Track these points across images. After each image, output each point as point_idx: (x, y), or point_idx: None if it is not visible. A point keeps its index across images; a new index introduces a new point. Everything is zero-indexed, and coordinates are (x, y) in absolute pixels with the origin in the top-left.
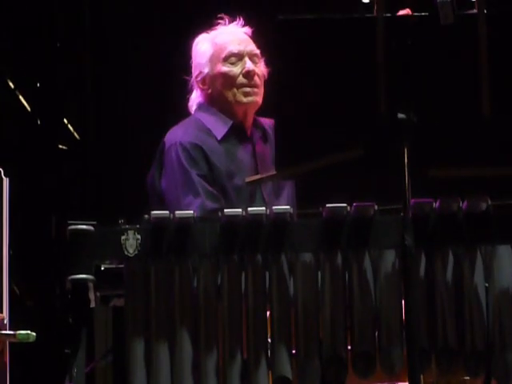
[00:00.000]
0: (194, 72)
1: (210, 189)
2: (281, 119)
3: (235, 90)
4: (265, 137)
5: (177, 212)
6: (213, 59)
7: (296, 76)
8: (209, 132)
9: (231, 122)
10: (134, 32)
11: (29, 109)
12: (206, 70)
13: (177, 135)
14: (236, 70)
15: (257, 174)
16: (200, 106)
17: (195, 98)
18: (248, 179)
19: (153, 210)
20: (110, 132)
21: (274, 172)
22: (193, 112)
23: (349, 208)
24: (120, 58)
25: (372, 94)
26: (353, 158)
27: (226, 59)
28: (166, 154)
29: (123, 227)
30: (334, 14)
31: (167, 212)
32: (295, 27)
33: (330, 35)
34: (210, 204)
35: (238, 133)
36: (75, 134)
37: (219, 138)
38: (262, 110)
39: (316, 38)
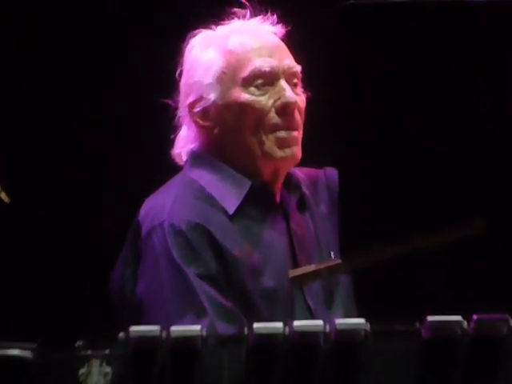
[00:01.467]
0: (188, 96)
1: (223, 301)
2: (346, 175)
3: (263, 134)
4: (302, 203)
5: (173, 328)
6: (224, 79)
7: (368, 102)
8: (214, 202)
9: (249, 184)
10: None
11: None
12: (210, 96)
13: (161, 209)
14: (265, 100)
15: (296, 264)
16: (196, 157)
17: (186, 141)
18: (293, 273)
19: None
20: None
21: (336, 261)
22: (183, 165)
23: (465, 323)
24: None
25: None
26: (466, 237)
27: (248, 81)
28: (145, 241)
29: (82, 354)
30: None
31: (157, 328)
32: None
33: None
34: (223, 326)
35: (261, 200)
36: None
37: (231, 211)
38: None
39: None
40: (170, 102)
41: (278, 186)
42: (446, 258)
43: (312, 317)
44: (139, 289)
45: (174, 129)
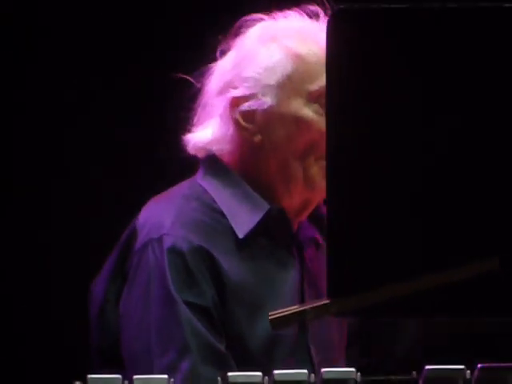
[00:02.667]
0: (234, 88)
1: (211, 339)
2: (337, 204)
3: (312, 158)
4: (316, 242)
5: (136, 377)
6: (288, 86)
7: (367, 116)
8: (223, 220)
9: (267, 207)
10: None
11: None
12: (266, 100)
13: (162, 219)
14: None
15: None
16: (214, 163)
17: (215, 139)
18: (272, 315)
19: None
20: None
21: (323, 302)
22: (198, 173)
23: (468, 373)
24: None
25: None
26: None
27: (314, 96)
28: (138, 254)
29: None
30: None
31: (118, 377)
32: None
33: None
34: (207, 370)
35: (276, 227)
36: None
37: (241, 234)
38: None
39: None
40: (191, 79)
41: (302, 216)
42: (450, 301)
43: (312, 366)
44: (122, 308)
45: (192, 121)
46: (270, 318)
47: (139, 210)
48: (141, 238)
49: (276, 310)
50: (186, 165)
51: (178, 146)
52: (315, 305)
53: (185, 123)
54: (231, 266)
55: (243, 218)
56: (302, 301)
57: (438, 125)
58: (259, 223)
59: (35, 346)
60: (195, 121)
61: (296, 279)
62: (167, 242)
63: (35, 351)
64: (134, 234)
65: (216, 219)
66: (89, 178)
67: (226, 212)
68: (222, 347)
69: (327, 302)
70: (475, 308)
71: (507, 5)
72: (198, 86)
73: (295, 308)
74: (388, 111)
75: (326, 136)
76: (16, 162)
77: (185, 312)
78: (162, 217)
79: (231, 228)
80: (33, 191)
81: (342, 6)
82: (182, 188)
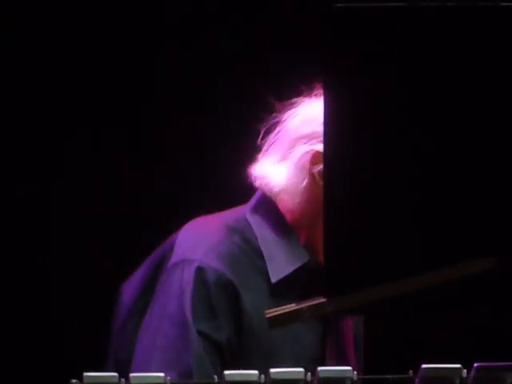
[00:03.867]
0: (314, 144)
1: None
2: (333, 202)
3: None
4: None
5: (132, 375)
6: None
7: (364, 119)
8: (259, 260)
9: (307, 258)
10: None
11: None
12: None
13: (200, 243)
14: None
15: (322, 361)
16: (267, 203)
17: (280, 186)
18: (270, 313)
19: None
20: None
21: (320, 300)
22: (248, 205)
23: (465, 372)
24: None
25: None
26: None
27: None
28: (168, 272)
29: None
30: None
31: (114, 374)
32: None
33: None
34: None
35: (309, 280)
36: None
37: (274, 279)
38: None
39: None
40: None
41: None
42: (448, 299)
43: None
44: (143, 323)
45: (261, 150)
46: (267, 316)
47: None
48: (174, 257)
49: (292, 362)
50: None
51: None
52: (312, 303)
53: (251, 149)
54: (255, 307)
55: (280, 264)
56: (321, 359)
57: (429, 130)
58: (295, 272)
59: (33, 344)
60: (264, 151)
61: (318, 334)
62: (197, 269)
63: (33, 350)
64: (170, 250)
65: (252, 258)
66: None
67: (264, 253)
68: None
69: (324, 300)
70: (471, 304)
71: (506, 3)
72: (276, 116)
73: (292, 306)
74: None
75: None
76: (52, 159)
77: (196, 340)
78: (200, 241)
79: (266, 271)
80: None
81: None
82: (227, 217)
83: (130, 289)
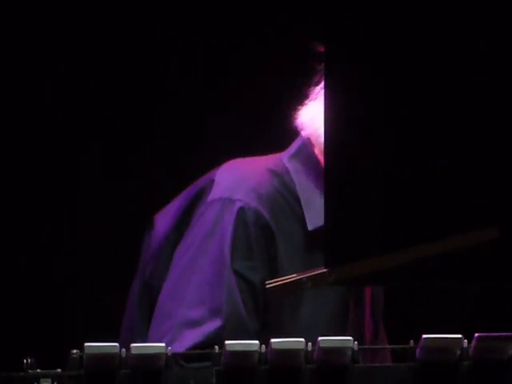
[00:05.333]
0: None
1: (245, 314)
2: (334, 171)
3: None
4: None
5: (133, 345)
6: None
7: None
8: (297, 206)
9: None
10: None
11: None
12: None
13: (241, 184)
14: None
15: (343, 330)
16: (307, 154)
17: (317, 128)
18: (270, 284)
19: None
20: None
21: (321, 270)
22: (286, 152)
23: (465, 342)
24: None
25: None
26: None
27: None
28: (207, 206)
29: (31, 373)
30: None
31: (115, 345)
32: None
33: None
34: (212, 324)
35: None
36: None
37: (311, 227)
38: None
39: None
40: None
41: None
42: (452, 270)
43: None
44: (177, 252)
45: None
46: (267, 286)
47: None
48: (214, 193)
49: (320, 308)
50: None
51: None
52: (313, 273)
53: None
54: (289, 252)
55: (318, 212)
56: (344, 312)
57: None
58: None
59: (32, 315)
60: (312, 99)
61: (343, 301)
62: (239, 208)
63: (33, 321)
64: (208, 186)
65: (290, 202)
66: None
67: (302, 199)
68: (252, 326)
69: (324, 270)
70: (474, 274)
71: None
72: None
73: (293, 277)
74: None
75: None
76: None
77: (231, 279)
78: (240, 182)
79: (303, 217)
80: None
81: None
82: (268, 161)
83: (164, 219)
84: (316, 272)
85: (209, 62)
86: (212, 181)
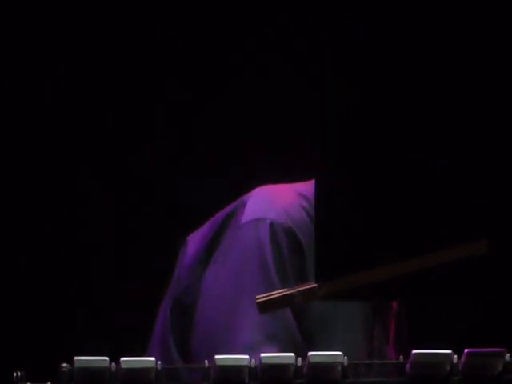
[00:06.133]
0: None
1: (297, 333)
2: (325, 184)
3: None
4: None
5: (123, 359)
6: None
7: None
8: None
9: None
10: None
11: None
12: None
13: (273, 207)
14: None
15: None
16: None
17: None
18: (260, 298)
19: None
20: None
21: (311, 284)
22: None
23: (455, 358)
24: None
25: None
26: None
27: None
28: (241, 229)
29: None
30: None
31: (105, 359)
32: None
33: None
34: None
35: None
36: None
37: None
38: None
39: None
40: None
41: None
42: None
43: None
44: (209, 275)
45: None
46: (257, 300)
47: None
48: (247, 214)
49: (340, 335)
50: None
51: None
52: (303, 288)
53: None
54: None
55: None
56: (368, 338)
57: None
58: None
59: (23, 327)
60: None
61: (368, 315)
62: (271, 227)
63: (22, 333)
64: (241, 207)
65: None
66: None
67: None
68: (299, 338)
69: (315, 285)
70: (462, 289)
71: None
72: None
73: (283, 291)
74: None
75: None
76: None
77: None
78: (274, 203)
79: None
80: None
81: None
82: (299, 186)
83: (195, 240)
84: (306, 286)
85: None
86: (244, 203)
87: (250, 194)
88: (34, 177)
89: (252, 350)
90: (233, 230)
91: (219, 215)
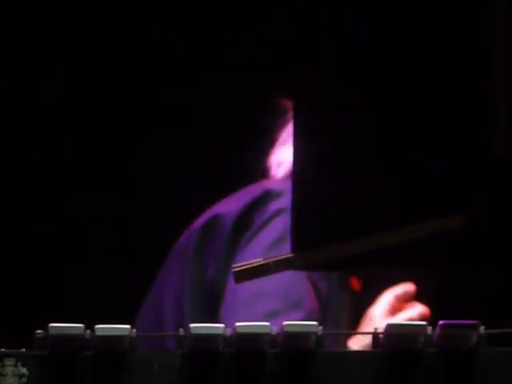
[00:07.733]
0: None
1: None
2: (302, 156)
3: None
4: None
5: (98, 326)
6: None
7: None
8: None
9: None
10: None
11: None
12: None
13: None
14: None
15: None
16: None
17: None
18: (236, 267)
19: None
20: None
21: (287, 255)
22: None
23: (430, 329)
24: None
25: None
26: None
27: None
28: (268, 216)
29: None
30: None
31: (80, 326)
32: None
33: None
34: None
35: None
36: None
37: None
38: None
39: None
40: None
41: None
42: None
43: None
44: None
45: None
46: (233, 270)
47: None
48: (280, 201)
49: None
50: None
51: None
52: (279, 258)
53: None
54: None
55: None
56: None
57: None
58: None
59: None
60: (281, 142)
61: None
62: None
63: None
64: (267, 194)
65: None
66: None
67: None
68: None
69: (290, 255)
70: (439, 261)
71: None
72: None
73: (259, 261)
74: None
75: None
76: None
77: (307, 284)
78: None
79: None
80: None
81: None
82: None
83: (220, 223)
84: (282, 257)
85: None
86: (268, 190)
87: (274, 181)
88: (33, 177)
89: (280, 315)
90: (263, 216)
91: (239, 201)
